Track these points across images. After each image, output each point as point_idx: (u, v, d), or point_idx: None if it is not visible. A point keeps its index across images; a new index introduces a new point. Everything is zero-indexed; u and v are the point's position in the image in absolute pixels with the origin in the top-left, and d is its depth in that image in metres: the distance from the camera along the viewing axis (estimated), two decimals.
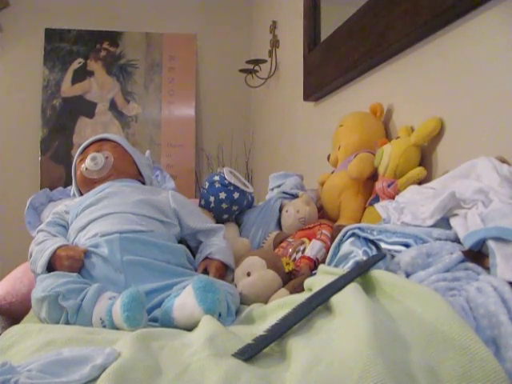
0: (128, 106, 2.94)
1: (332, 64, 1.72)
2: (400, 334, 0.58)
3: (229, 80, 3.00)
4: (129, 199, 1.26)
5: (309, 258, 1.13)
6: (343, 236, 0.95)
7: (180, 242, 1.29)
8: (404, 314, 0.63)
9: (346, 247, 0.91)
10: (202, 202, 1.53)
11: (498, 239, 0.69)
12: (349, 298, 0.67)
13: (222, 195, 1.49)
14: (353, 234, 0.93)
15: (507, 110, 0.99)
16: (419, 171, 1.16)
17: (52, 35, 2.89)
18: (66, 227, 1.27)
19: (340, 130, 1.48)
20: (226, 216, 1.53)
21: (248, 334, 0.77)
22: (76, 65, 2.91)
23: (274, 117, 2.66)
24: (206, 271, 1.21)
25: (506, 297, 0.61)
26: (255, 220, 1.51)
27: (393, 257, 0.83)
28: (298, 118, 2.24)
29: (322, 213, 1.49)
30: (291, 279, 1.09)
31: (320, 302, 0.72)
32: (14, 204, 2.30)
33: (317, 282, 0.82)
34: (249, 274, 1.11)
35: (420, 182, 1.14)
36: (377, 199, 1.24)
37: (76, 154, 1.48)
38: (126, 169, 1.43)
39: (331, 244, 1.00)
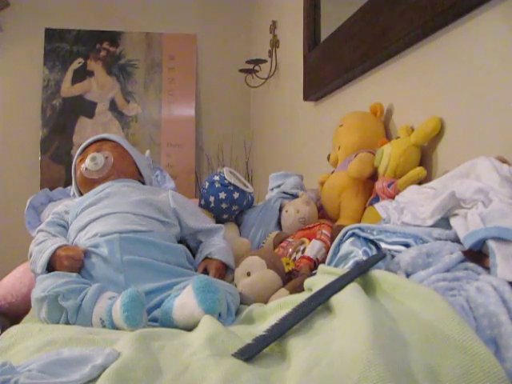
0: (128, 105, 2.94)
1: (332, 64, 1.72)
2: (400, 334, 0.58)
3: (229, 80, 3.00)
4: (129, 199, 1.26)
5: (309, 258, 1.13)
6: (343, 236, 0.95)
7: (180, 241, 1.29)
8: (404, 313, 0.63)
9: (345, 247, 0.91)
10: (202, 202, 1.53)
11: (498, 239, 0.69)
12: (349, 298, 0.67)
13: (222, 195, 1.49)
14: (353, 234, 0.93)
15: (507, 109, 0.99)
16: (419, 171, 1.16)
17: (52, 35, 2.89)
18: (65, 227, 1.27)
19: (340, 129, 1.48)
20: (225, 216, 1.53)
21: (248, 334, 0.77)
22: (76, 65, 2.91)
23: (274, 117, 2.66)
24: (205, 271, 1.21)
25: (505, 297, 0.61)
26: (255, 220, 1.51)
27: (393, 257, 0.83)
28: (298, 118, 2.24)
29: (322, 213, 1.48)
30: (291, 279, 1.09)
31: (320, 301, 0.72)
32: (14, 204, 2.30)
33: (317, 282, 0.82)
34: (249, 274, 1.11)
35: (420, 182, 1.14)
36: (377, 199, 1.24)
37: (76, 154, 1.48)
38: (126, 169, 1.43)
39: (331, 244, 1.00)
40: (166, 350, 0.69)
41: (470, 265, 0.73)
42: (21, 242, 1.69)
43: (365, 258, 0.84)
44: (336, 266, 0.91)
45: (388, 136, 1.42)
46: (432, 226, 0.86)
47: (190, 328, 0.86)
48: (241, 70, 2.59)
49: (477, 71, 1.08)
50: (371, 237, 0.89)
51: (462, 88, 1.12)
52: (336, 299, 0.70)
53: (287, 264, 1.12)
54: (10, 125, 2.86)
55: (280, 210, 1.50)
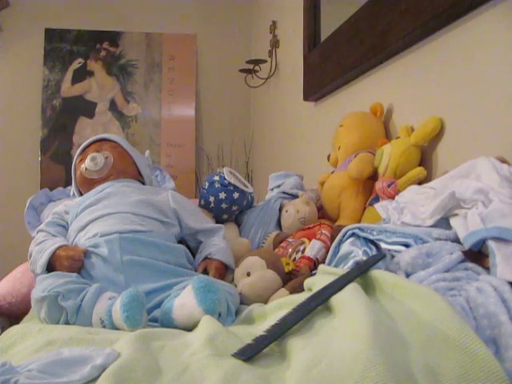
0: (128, 105, 2.94)
1: (332, 64, 1.72)
2: (400, 334, 0.58)
3: (229, 80, 3.00)
4: (128, 199, 1.26)
5: (309, 258, 1.13)
6: (343, 236, 0.95)
7: (180, 242, 1.29)
8: (404, 313, 0.63)
9: (345, 247, 0.91)
10: (202, 202, 1.53)
11: (498, 239, 0.69)
12: (349, 298, 0.67)
13: (222, 195, 1.49)
14: (353, 234, 0.93)
15: (507, 109, 0.99)
16: (419, 171, 1.16)
17: (52, 35, 2.89)
18: (65, 227, 1.27)
19: (340, 130, 1.48)
20: (225, 216, 1.53)
21: (248, 334, 0.77)
22: (76, 65, 2.91)
23: (274, 117, 2.66)
24: (205, 271, 1.21)
25: (505, 297, 0.61)
26: (255, 220, 1.51)
27: (393, 257, 0.83)
28: (298, 118, 2.24)
29: (322, 213, 1.48)
30: (291, 279, 1.09)
31: (320, 302, 0.72)
32: (14, 204, 2.30)
33: (317, 282, 0.82)
34: (249, 274, 1.11)
35: (420, 182, 1.14)
36: (377, 199, 1.24)
37: (76, 154, 1.48)
38: (126, 169, 1.43)
39: (331, 244, 1.00)
40: (165, 350, 0.69)
41: (470, 265, 0.73)
42: (21, 242, 1.69)
43: (365, 258, 0.84)
44: (336, 266, 0.91)
45: (388, 136, 1.41)
46: (432, 226, 0.86)
47: (189, 328, 0.86)
48: (241, 70, 2.59)
49: (477, 71, 1.08)
50: (371, 237, 0.89)
51: (462, 88, 1.12)
52: (336, 299, 0.70)
53: (287, 264, 1.12)
54: (10, 125, 2.86)
55: (280, 210, 1.50)
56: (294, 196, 1.53)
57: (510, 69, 0.99)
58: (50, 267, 1.12)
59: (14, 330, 0.86)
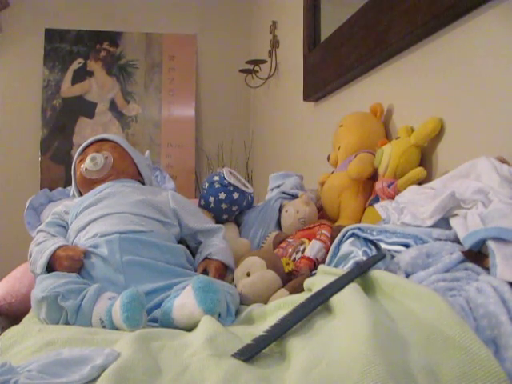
0: (128, 106, 2.94)
1: (332, 64, 1.72)
2: (400, 334, 0.58)
3: (229, 80, 3.00)
4: (128, 199, 1.26)
5: (308, 259, 1.13)
6: (343, 236, 0.95)
7: (180, 242, 1.29)
8: (404, 314, 0.63)
9: (345, 247, 0.91)
10: (202, 203, 1.53)
11: (497, 239, 0.69)
12: (349, 298, 0.67)
13: (222, 195, 1.48)
14: (353, 235, 0.93)
15: (507, 109, 0.99)
16: (419, 171, 1.15)
17: (52, 35, 2.89)
18: (65, 227, 1.27)
19: (340, 130, 1.48)
20: (225, 216, 1.53)
21: (248, 334, 0.77)
22: (76, 65, 2.91)
23: (274, 117, 2.66)
24: (205, 271, 1.21)
25: (505, 297, 0.61)
26: (255, 220, 1.51)
27: (392, 257, 0.83)
28: (298, 118, 2.24)
29: (322, 213, 1.48)
30: (291, 279, 1.09)
31: (320, 302, 0.72)
32: (14, 204, 2.30)
33: (317, 282, 0.82)
34: (248, 275, 1.11)
35: (420, 182, 1.14)
36: (377, 199, 1.24)
37: (76, 154, 1.48)
38: (126, 169, 1.43)
39: (331, 244, 1.00)
40: (165, 350, 0.69)
41: (470, 265, 0.73)
42: (21, 242, 1.69)
43: (364, 258, 0.84)
44: (336, 266, 0.91)
45: (388, 136, 1.42)
46: (432, 227, 0.86)
47: (189, 328, 0.86)
48: (241, 70, 2.59)
49: (477, 71, 1.08)
50: (371, 237, 0.89)
51: (462, 88, 1.12)
52: (336, 299, 0.70)
53: (287, 264, 1.12)
54: (10, 125, 2.86)
55: (280, 210, 1.50)
56: (294, 196, 1.53)
57: (510, 69, 0.99)
58: (50, 267, 1.12)
59: (13, 330, 0.86)
